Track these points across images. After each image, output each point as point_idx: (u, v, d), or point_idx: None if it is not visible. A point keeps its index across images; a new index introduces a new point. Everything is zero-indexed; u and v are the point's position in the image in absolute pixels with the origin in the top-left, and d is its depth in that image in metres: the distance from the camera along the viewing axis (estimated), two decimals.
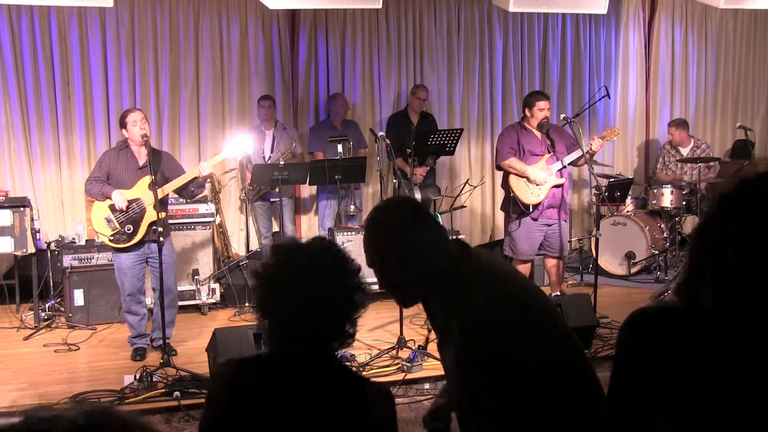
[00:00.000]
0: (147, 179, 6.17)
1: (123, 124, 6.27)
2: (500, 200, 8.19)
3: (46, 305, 7.68)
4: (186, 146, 9.06)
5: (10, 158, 8.55)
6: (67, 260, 7.51)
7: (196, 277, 7.89)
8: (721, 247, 1.57)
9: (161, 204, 6.17)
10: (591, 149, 7.27)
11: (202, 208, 8.06)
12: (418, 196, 8.12)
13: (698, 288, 1.61)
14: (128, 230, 6.23)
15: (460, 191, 9.06)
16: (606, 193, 7.98)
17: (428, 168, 8.99)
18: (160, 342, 6.26)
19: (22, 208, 7.42)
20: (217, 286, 8.02)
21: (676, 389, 1.62)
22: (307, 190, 9.48)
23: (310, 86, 9.48)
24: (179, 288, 7.23)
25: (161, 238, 5.96)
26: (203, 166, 6.28)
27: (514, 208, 7.41)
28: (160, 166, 6.31)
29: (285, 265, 2.14)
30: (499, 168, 7.54)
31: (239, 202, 9.21)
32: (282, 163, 8.02)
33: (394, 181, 7.93)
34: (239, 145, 6.56)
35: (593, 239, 8.67)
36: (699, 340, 1.61)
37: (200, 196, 8.18)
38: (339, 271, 2.16)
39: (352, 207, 8.70)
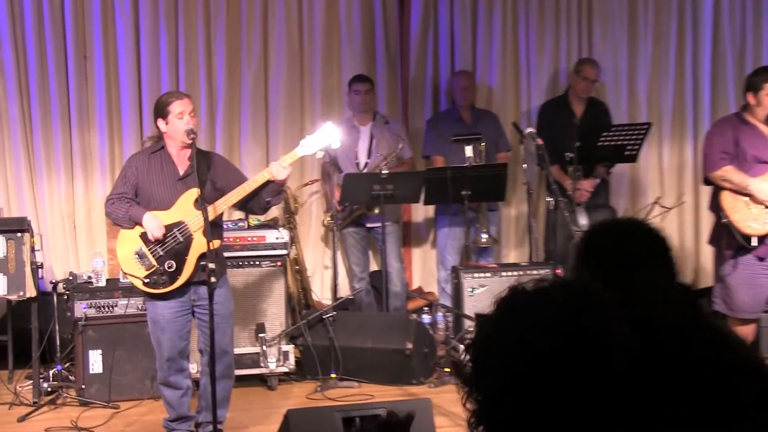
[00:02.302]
0: (192, 194, 6.16)
1: (162, 114, 6.26)
2: (707, 229, 7.98)
3: (51, 372, 7.73)
4: (248, 149, 9.14)
5: (4, 163, 8.73)
6: (81, 308, 7.57)
7: (261, 335, 7.88)
8: None
9: (214, 228, 6.12)
10: None
11: (271, 236, 8.07)
12: (583, 221, 7.94)
13: None
14: (169, 268, 6.22)
15: (647, 215, 8.88)
16: None
17: (598, 181, 8.88)
18: (209, 428, 6.22)
19: (19, 234, 7.50)
20: (290, 348, 7.99)
21: None
22: (420, 212, 9.46)
23: (427, 64, 9.47)
24: (237, 350, 7.18)
25: (213, 279, 5.97)
26: (274, 167, 6.25)
27: (729, 241, 7.19)
28: (209, 173, 6.31)
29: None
30: (707, 181, 7.37)
31: (323, 229, 9.24)
32: (385, 172, 7.99)
33: (548, 199, 7.88)
34: (323, 138, 6.50)
35: None
36: None
37: (268, 217, 8.20)
38: None
39: (485, 236, 8.64)
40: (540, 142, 7.48)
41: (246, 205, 6.46)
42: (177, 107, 6.24)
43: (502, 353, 2.00)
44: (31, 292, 7.52)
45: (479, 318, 2.10)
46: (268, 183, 6.28)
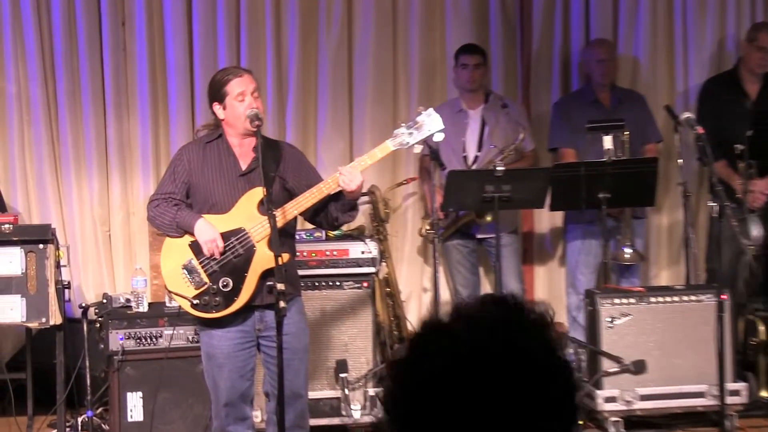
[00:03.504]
0: (256, 194, 6.16)
1: (218, 97, 6.28)
2: None
3: (79, 420, 7.80)
4: (327, 141, 9.17)
5: (23, 157, 8.84)
6: (117, 340, 7.60)
7: (342, 376, 7.86)
8: None
9: (283, 239, 6.12)
10: None
11: (356, 249, 8.08)
12: (756, 233, 7.80)
13: None
14: (224, 286, 6.22)
15: None
16: None
17: None
18: None
19: (41, 246, 7.56)
20: (379, 392, 7.97)
21: None
22: (545, 220, 9.46)
23: (554, 31, 9.45)
24: (312, 394, 7.20)
25: (282, 303, 5.94)
26: (345, 173, 6.19)
27: None
28: (279, 168, 6.32)
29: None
30: None
31: (421, 241, 9.23)
32: (500, 168, 7.88)
33: (711, 204, 7.77)
34: (422, 127, 6.46)
35: None
36: None
37: (350, 227, 8.17)
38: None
39: (629, 251, 8.58)
40: (701, 130, 7.45)
41: (315, 217, 6.47)
42: (236, 87, 6.23)
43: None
44: (55, 318, 7.57)
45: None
46: (339, 193, 6.28)
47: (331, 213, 6.35)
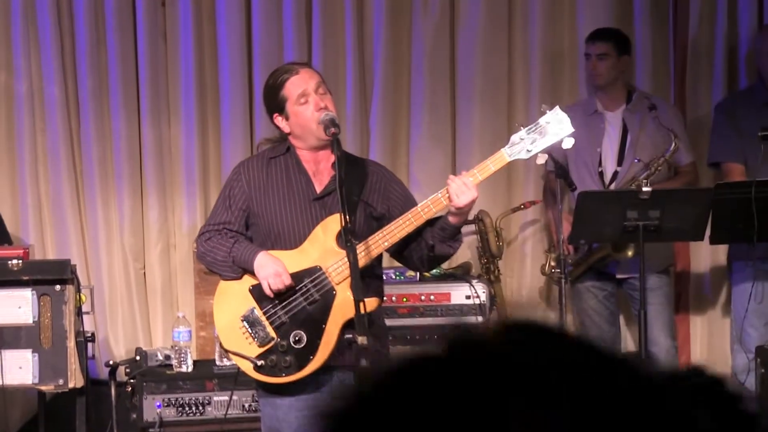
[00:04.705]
0: (334, 224, 6.09)
1: (278, 107, 6.28)
2: None
3: None
4: (422, 152, 9.18)
5: (35, 173, 8.91)
6: (154, 407, 7.69)
7: None
8: None
9: (368, 280, 6.12)
10: None
11: (459, 292, 8.15)
12: None
13: None
14: (296, 342, 6.20)
15: None
16: None
17: None
18: None
19: (57, 287, 7.62)
20: None
21: None
22: (705, 256, 9.41)
23: (716, 15, 9.41)
24: None
25: (364, 362, 5.92)
26: (454, 185, 6.17)
27: None
28: (363, 192, 6.31)
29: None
30: None
31: (543, 281, 9.24)
32: (646, 189, 7.88)
33: None
34: (547, 132, 6.44)
35: None
36: None
37: (451, 264, 8.19)
38: None
39: None
40: None
41: (403, 250, 6.40)
42: (294, 88, 6.21)
43: None
44: (75, 379, 7.59)
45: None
46: (444, 215, 6.21)
47: (426, 240, 6.25)
